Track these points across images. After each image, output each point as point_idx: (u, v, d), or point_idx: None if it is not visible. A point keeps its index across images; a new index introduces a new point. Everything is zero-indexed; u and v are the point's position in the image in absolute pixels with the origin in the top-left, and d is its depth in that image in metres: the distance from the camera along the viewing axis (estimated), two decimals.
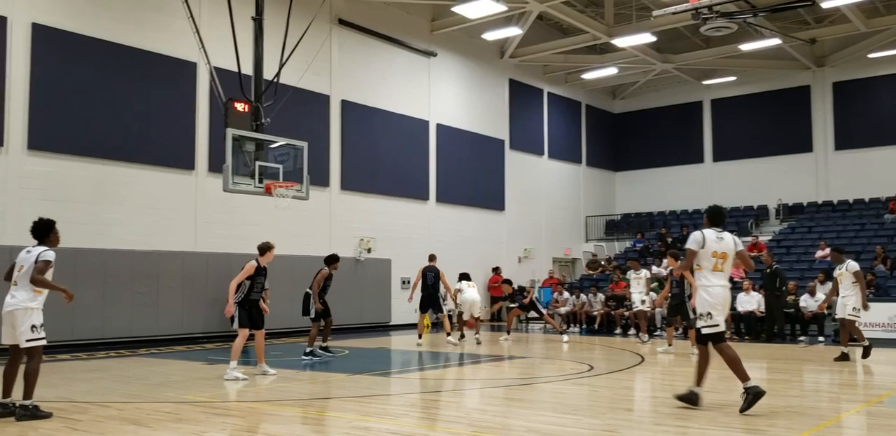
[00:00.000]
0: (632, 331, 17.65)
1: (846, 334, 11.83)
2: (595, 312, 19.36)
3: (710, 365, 7.29)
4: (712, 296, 7.05)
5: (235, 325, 10.13)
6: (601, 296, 19.75)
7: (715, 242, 7.08)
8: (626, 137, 30.20)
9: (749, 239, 22.53)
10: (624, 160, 30.25)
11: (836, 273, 11.82)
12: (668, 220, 27.47)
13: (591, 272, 24.51)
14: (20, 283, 6.96)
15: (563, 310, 20.03)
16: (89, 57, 15.08)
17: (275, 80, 14.07)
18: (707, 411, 7.36)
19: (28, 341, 6.86)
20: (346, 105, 20.00)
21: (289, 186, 13.21)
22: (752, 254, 20.93)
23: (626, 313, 18.68)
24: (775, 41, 23.13)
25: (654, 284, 19.31)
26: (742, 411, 6.83)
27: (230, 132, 12.64)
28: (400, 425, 6.71)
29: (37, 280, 6.88)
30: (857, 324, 11.68)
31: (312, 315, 12.36)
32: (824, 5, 20.01)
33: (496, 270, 23.55)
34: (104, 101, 15.23)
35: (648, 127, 29.55)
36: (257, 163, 12.87)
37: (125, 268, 14.97)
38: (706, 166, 28.43)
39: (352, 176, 19.95)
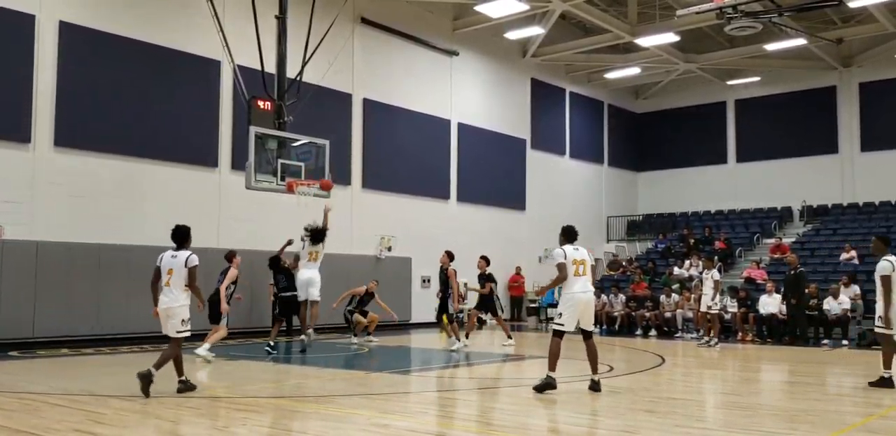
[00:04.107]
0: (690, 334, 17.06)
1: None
2: (616, 313, 19.28)
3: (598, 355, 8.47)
4: (569, 302, 8.30)
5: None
6: (622, 297, 19.66)
7: (573, 253, 8.46)
8: (648, 137, 29.97)
9: (772, 241, 22.29)
10: (646, 160, 30.03)
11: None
12: (691, 220, 27.21)
13: (612, 273, 24.40)
14: (173, 284, 8.05)
15: None
16: (115, 55, 15.23)
17: (297, 78, 14.13)
18: (727, 413, 7.31)
19: (178, 332, 8.02)
20: (368, 103, 20.06)
21: (311, 184, 13.27)
22: (776, 256, 20.75)
23: (648, 314, 18.60)
24: (801, 41, 22.85)
25: (676, 286, 19.20)
26: (534, 388, 8.20)
27: (253, 130, 12.73)
28: (418, 423, 6.73)
29: (193, 288, 8.09)
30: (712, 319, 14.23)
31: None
32: (851, 5, 19.71)
33: (518, 269, 23.55)
34: (129, 99, 15.38)
35: (671, 127, 29.29)
36: (279, 161, 12.94)
37: (149, 264, 14.92)
38: (729, 167, 28.15)
39: (373, 174, 20.00)
